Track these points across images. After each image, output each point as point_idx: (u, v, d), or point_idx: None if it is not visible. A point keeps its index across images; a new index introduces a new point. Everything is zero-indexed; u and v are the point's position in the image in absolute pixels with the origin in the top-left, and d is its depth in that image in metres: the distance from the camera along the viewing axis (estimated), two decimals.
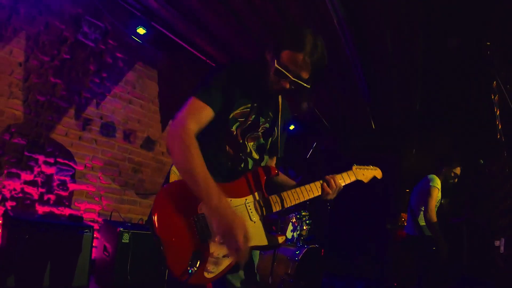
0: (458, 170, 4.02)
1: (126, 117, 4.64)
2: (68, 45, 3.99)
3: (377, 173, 2.09)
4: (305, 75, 1.61)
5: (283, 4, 3.93)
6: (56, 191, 3.90)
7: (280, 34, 1.65)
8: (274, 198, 1.68)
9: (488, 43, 1.94)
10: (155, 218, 1.41)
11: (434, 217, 3.75)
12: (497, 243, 3.99)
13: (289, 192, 1.72)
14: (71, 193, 4.06)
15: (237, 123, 1.69)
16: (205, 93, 1.56)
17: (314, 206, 5.41)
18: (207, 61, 5.23)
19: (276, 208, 1.67)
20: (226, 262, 1.50)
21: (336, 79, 5.63)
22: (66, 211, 3.98)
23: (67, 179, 4.01)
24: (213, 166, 1.54)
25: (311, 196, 1.77)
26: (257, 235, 1.59)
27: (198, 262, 1.41)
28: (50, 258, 3.14)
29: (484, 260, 4.59)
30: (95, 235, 3.77)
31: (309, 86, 1.65)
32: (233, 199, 1.56)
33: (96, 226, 4.11)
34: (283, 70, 1.59)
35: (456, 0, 3.51)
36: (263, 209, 1.64)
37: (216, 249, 1.47)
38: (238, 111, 1.69)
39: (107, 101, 4.37)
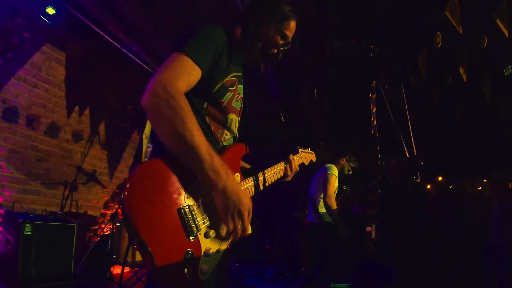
0: (355, 163, 4.70)
1: (30, 102, 4.57)
2: None
3: (313, 156, 2.33)
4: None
5: None
6: None
7: (273, 4, 1.70)
8: (253, 179, 1.67)
9: (372, 46, 2.10)
10: (135, 214, 1.14)
11: (333, 203, 4.24)
12: (368, 229, 4.87)
13: (264, 172, 1.75)
14: None
15: (228, 93, 1.60)
16: (196, 51, 1.41)
17: None
18: (121, 48, 5.36)
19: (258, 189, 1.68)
20: (217, 258, 1.40)
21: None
22: None
23: None
24: None
25: (279, 176, 1.85)
26: None
27: (192, 266, 1.26)
28: None
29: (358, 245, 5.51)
30: None
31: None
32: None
33: None
34: (286, 35, 1.71)
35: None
36: (252, 189, 1.63)
37: (208, 244, 1.34)
38: (228, 78, 1.61)
39: (11, 84, 4.27)
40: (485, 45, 4.33)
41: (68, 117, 5.20)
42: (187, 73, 1.36)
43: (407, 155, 2.51)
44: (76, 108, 5.32)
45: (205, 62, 1.43)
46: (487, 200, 5.35)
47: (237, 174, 1.58)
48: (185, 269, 1.21)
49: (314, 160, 2.33)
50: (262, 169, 1.78)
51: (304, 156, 2.19)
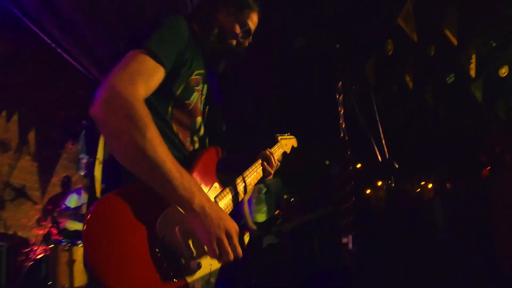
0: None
1: None
2: None
3: (294, 141, 2.14)
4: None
5: None
6: None
7: None
8: (230, 190, 1.45)
9: (338, 45, 1.96)
10: (102, 270, 0.95)
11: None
12: (344, 240, 4.94)
13: (243, 177, 1.55)
14: None
15: (195, 93, 1.42)
16: (159, 47, 1.22)
17: None
18: (56, 48, 4.92)
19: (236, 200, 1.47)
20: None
21: None
22: None
23: None
24: None
25: (259, 178, 1.64)
26: None
27: None
28: None
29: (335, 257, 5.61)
30: None
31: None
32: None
33: None
34: (245, 23, 1.55)
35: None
36: (231, 202, 1.43)
37: (195, 279, 1.16)
38: (193, 76, 1.42)
39: None
40: (432, 53, 4.67)
41: None
42: (147, 75, 1.16)
43: (379, 158, 2.53)
44: (3, 113, 4.92)
45: (170, 59, 1.25)
46: (430, 199, 5.77)
47: (216, 184, 1.38)
48: None
49: (295, 145, 2.14)
50: (241, 170, 1.59)
51: (285, 144, 1.99)
